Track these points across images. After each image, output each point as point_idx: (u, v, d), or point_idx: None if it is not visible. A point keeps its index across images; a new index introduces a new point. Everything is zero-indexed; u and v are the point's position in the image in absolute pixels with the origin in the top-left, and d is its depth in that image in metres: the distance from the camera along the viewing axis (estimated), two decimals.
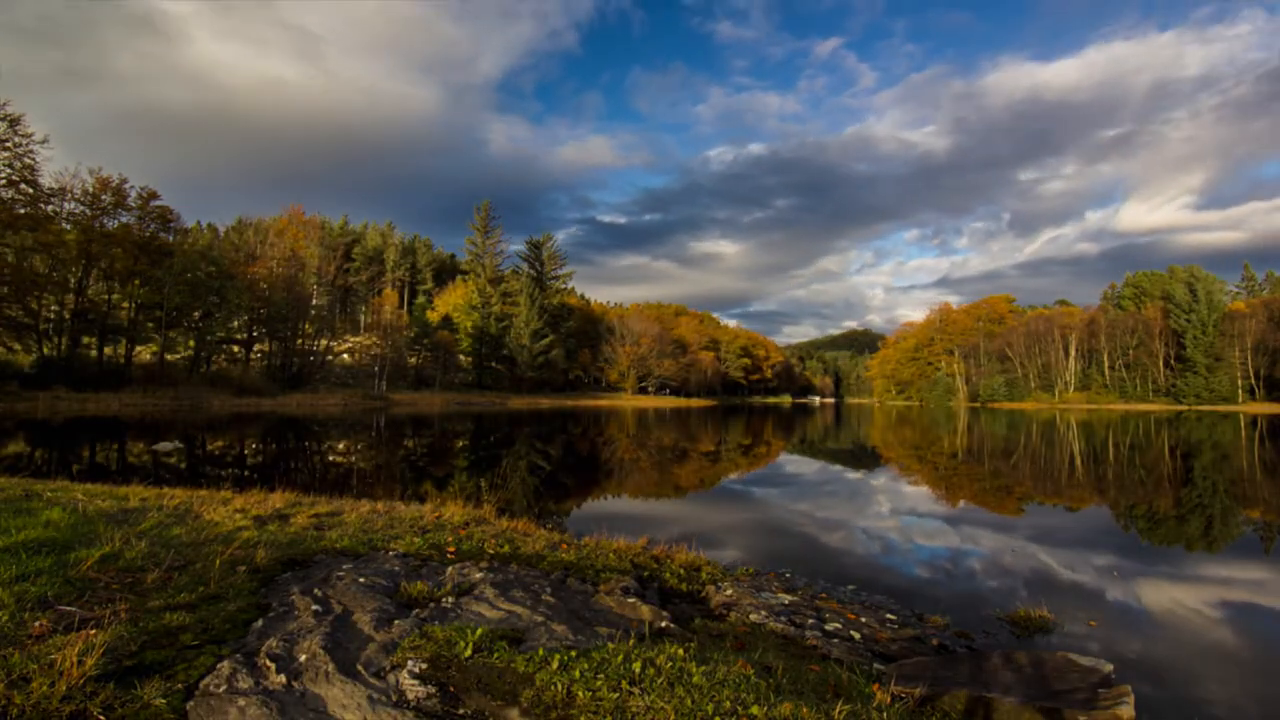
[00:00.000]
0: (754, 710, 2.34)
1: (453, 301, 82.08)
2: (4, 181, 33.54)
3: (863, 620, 4.34)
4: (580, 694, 2.42)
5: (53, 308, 38.92)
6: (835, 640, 3.82)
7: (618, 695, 2.41)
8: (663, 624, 3.52)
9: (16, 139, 33.11)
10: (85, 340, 40.60)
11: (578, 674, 2.56)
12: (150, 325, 41.60)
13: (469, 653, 2.77)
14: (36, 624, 2.70)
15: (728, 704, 2.37)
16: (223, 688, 2.39)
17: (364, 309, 76.27)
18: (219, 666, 2.54)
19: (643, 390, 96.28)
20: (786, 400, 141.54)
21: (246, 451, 16.47)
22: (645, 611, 3.67)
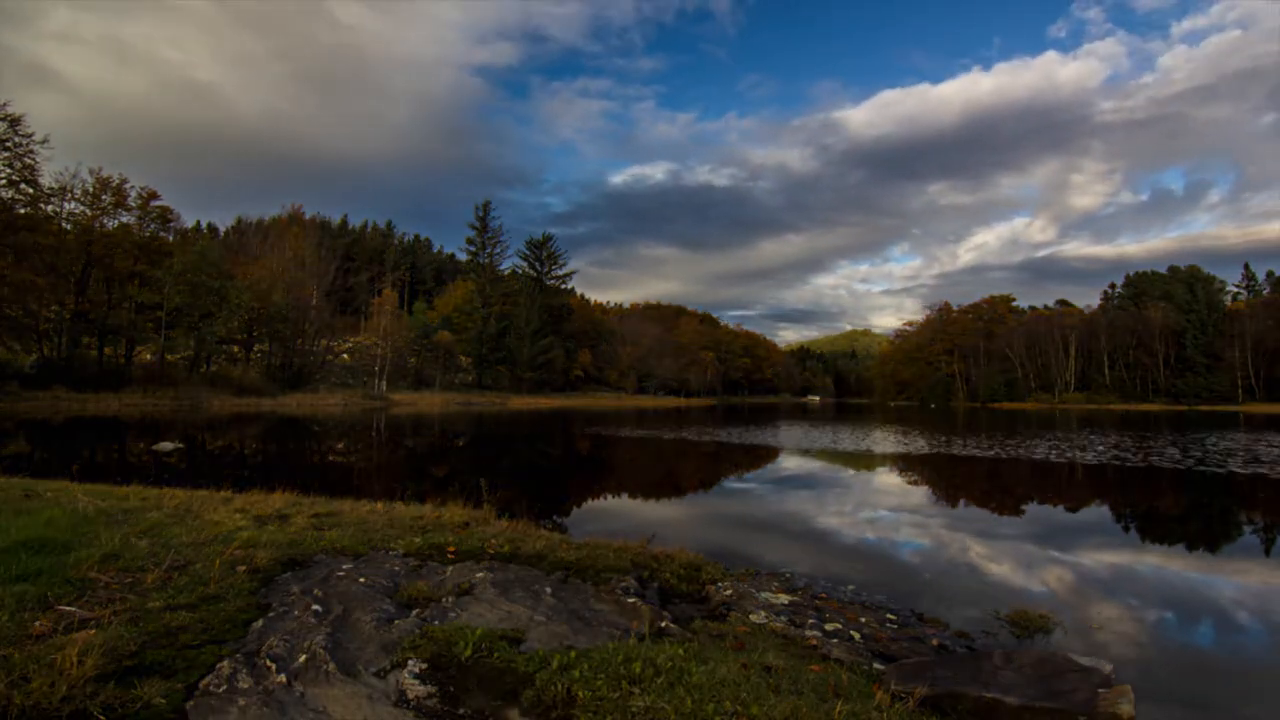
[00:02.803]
0: (754, 710, 2.34)
1: (453, 302, 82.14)
2: (4, 181, 33.53)
3: (863, 620, 4.34)
4: (581, 694, 2.42)
5: (53, 308, 38.88)
6: (835, 640, 3.82)
7: (618, 695, 2.41)
8: (663, 624, 3.52)
9: (17, 139, 33.09)
10: (85, 340, 40.59)
11: (578, 674, 2.56)
12: (150, 325, 41.58)
13: (469, 653, 2.77)
14: (36, 624, 2.70)
15: (728, 704, 2.37)
16: (223, 687, 2.39)
17: (364, 309, 76.30)
18: (219, 666, 2.54)
19: (643, 390, 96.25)
20: (787, 400, 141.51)
21: (246, 451, 16.48)
22: (645, 611, 3.67)
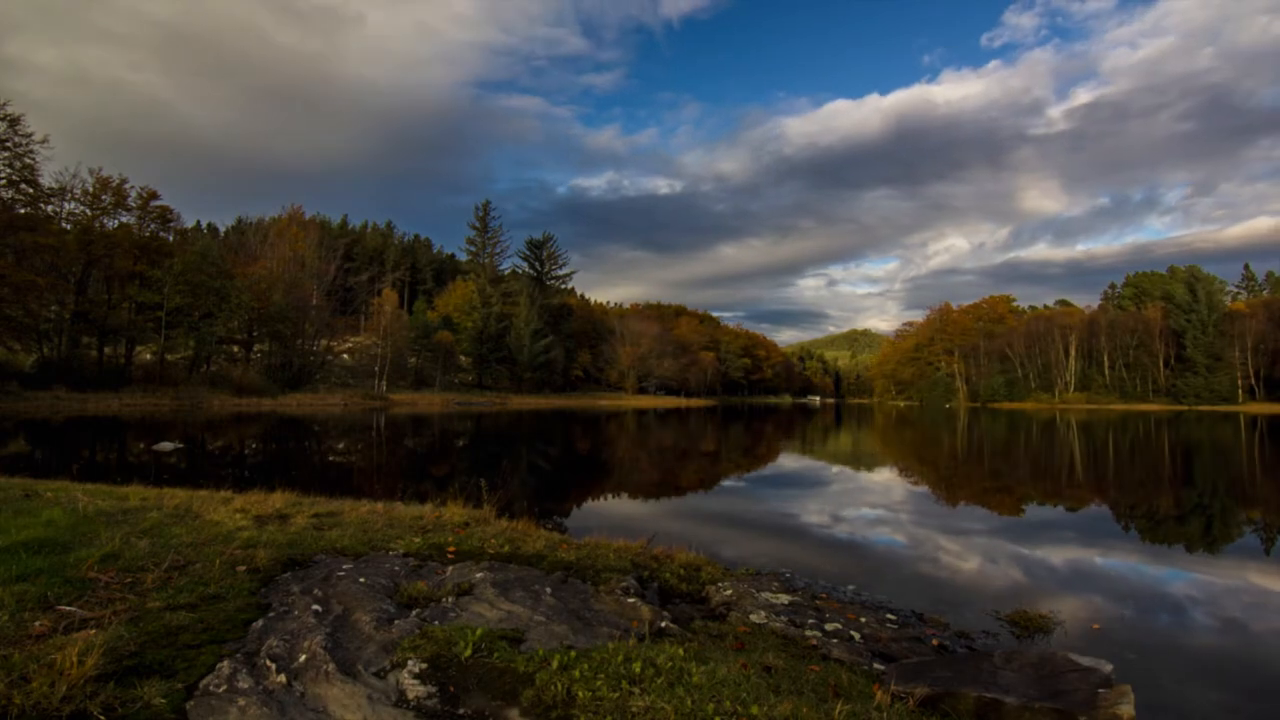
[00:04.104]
0: (754, 710, 2.34)
1: (453, 301, 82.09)
2: (4, 181, 33.53)
3: (863, 620, 4.33)
4: (580, 694, 2.42)
5: (53, 308, 38.89)
6: (835, 640, 3.82)
7: (618, 695, 2.41)
8: (663, 624, 3.52)
9: (16, 139, 33.10)
10: (85, 340, 40.58)
11: (578, 674, 2.56)
12: (150, 325, 41.59)
13: (469, 653, 2.77)
14: (36, 624, 2.70)
15: (728, 704, 2.37)
16: (223, 687, 2.39)
17: (364, 309, 76.26)
18: (219, 666, 2.54)
19: (643, 390, 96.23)
20: (787, 400, 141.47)
21: (246, 451, 16.47)
22: (645, 611, 3.67)
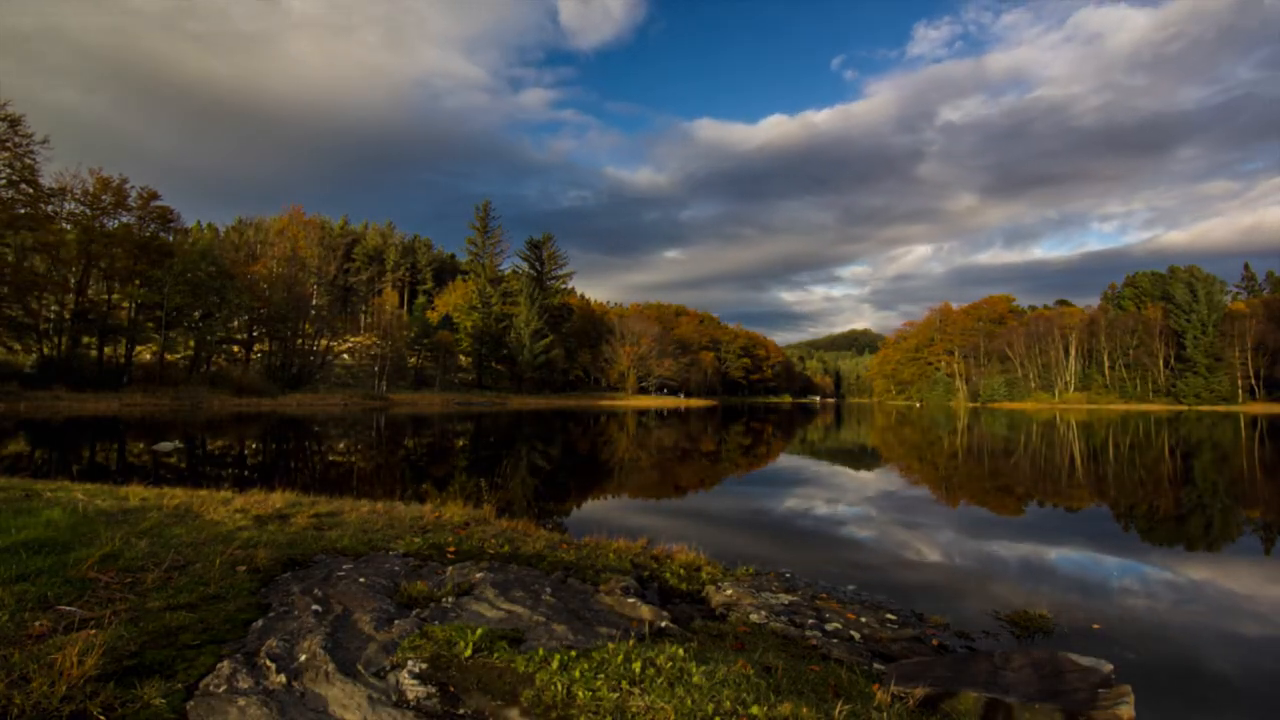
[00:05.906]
0: (754, 710, 2.34)
1: (453, 301, 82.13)
2: (4, 181, 33.52)
3: (863, 620, 4.33)
4: (580, 694, 2.42)
5: (53, 308, 38.89)
6: (835, 640, 3.82)
7: (618, 695, 2.41)
8: (663, 624, 3.52)
9: (16, 139, 33.11)
10: (85, 340, 40.57)
11: (578, 674, 2.56)
12: (150, 325, 41.58)
13: (469, 653, 2.77)
14: (36, 624, 2.71)
15: (728, 704, 2.37)
16: (223, 688, 2.39)
17: (364, 309, 76.25)
18: (219, 666, 2.54)
19: (643, 390, 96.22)
20: (787, 400, 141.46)
21: (246, 451, 16.47)
22: (645, 611, 3.67)
